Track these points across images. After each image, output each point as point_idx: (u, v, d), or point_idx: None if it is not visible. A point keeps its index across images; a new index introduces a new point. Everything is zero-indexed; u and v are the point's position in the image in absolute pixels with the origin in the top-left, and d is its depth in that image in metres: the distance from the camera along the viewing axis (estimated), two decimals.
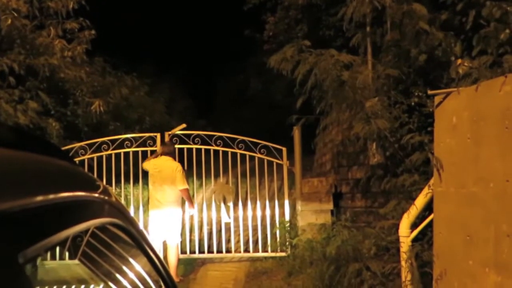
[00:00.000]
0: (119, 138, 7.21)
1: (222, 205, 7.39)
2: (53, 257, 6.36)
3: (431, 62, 4.78)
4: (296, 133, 7.13)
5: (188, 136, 7.27)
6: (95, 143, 7.08)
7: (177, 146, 7.12)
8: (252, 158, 7.37)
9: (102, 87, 10.93)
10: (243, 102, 22.34)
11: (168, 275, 1.49)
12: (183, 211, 6.71)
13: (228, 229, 7.38)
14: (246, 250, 7.34)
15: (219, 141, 7.23)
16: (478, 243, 3.47)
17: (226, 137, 7.31)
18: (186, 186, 6.25)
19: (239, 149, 7.21)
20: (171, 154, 6.32)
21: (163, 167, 6.23)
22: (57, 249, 6.15)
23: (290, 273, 6.06)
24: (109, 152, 7.07)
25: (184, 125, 7.36)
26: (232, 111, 22.82)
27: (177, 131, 7.30)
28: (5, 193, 0.61)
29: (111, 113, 10.73)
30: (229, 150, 7.25)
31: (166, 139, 7.06)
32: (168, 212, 6.14)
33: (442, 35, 4.62)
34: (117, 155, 7.12)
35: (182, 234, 6.74)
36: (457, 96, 3.75)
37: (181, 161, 7.12)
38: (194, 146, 7.22)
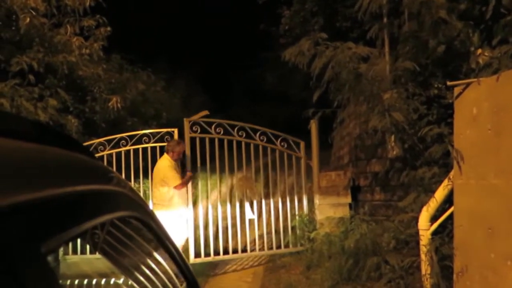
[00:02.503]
0: (137, 134, 7.26)
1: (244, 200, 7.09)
2: (74, 252, 6.47)
3: (450, 52, 4.70)
4: (313, 127, 7.10)
5: (209, 124, 6.82)
6: (113, 139, 7.14)
7: (199, 135, 6.69)
8: (267, 151, 7.17)
9: (119, 84, 11.05)
10: (259, 97, 22.35)
11: (188, 268, 1.50)
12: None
13: (246, 225, 7.09)
14: (262, 248, 7.03)
15: (241, 132, 6.91)
16: (500, 235, 3.42)
17: (249, 128, 6.97)
18: (174, 185, 6.01)
19: (261, 141, 6.98)
20: (168, 151, 6.17)
21: (156, 166, 6.26)
22: (79, 243, 6.26)
23: (308, 267, 6.06)
24: (127, 148, 7.13)
25: (206, 112, 6.85)
26: (248, 106, 22.83)
27: (199, 118, 6.79)
28: (28, 184, 0.62)
29: (128, 109, 10.84)
30: (251, 141, 6.96)
31: (186, 126, 6.65)
32: (158, 214, 6.09)
33: (461, 25, 4.54)
34: (135, 151, 7.17)
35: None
36: (477, 87, 3.69)
37: (202, 152, 6.68)
38: (217, 136, 6.79)
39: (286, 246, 7.05)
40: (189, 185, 6.65)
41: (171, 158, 6.12)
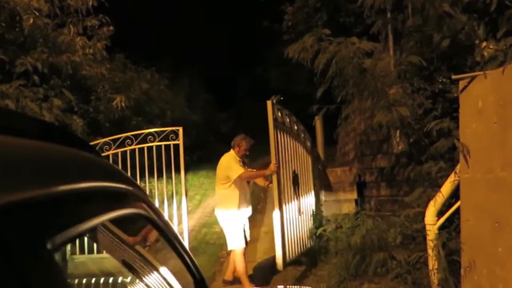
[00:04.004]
0: (142, 133, 7.25)
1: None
2: (82, 251, 6.49)
3: (455, 46, 4.68)
4: (318, 123, 7.09)
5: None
6: (119, 138, 7.14)
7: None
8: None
9: (123, 83, 11.09)
10: (263, 94, 22.34)
11: (195, 265, 1.50)
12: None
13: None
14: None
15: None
16: (507, 229, 3.40)
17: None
18: (238, 173, 5.37)
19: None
20: (233, 146, 5.66)
21: (219, 163, 5.72)
22: (86, 243, 6.29)
23: (315, 263, 6.05)
24: (132, 147, 7.12)
25: (280, 97, 6.03)
26: (253, 103, 22.83)
27: (277, 100, 5.96)
28: (34, 181, 0.62)
29: (132, 108, 10.87)
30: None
31: (270, 109, 5.71)
32: (217, 214, 5.67)
33: (466, 18, 4.51)
34: (141, 150, 7.17)
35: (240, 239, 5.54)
36: (483, 80, 3.66)
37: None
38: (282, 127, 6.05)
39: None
40: (274, 182, 5.65)
41: (237, 154, 5.61)
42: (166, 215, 7.00)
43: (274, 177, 5.59)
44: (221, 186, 5.55)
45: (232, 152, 5.67)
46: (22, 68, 7.58)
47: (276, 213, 5.65)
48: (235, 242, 5.48)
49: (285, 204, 5.90)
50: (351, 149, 8.24)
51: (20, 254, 0.54)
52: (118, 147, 7.12)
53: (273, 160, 5.57)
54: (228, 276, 5.81)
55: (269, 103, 5.70)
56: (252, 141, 5.73)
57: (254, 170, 5.95)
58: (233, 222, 5.49)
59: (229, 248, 5.62)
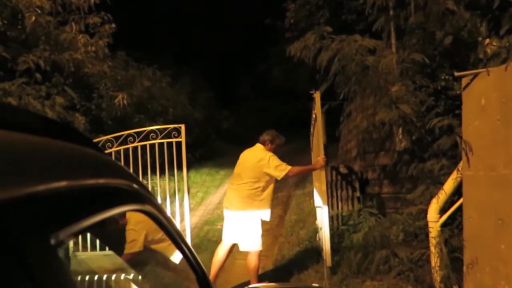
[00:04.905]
0: (144, 131, 7.26)
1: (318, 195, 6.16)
2: (84, 248, 6.50)
3: (457, 43, 4.67)
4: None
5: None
6: (121, 136, 7.15)
7: None
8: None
9: (125, 80, 11.10)
10: (266, 91, 22.35)
11: (197, 262, 1.50)
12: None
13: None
14: None
15: None
16: (510, 227, 3.40)
17: None
18: (287, 170, 4.94)
19: None
20: (265, 142, 5.18)
21: (245, 157, 5.23)
22: (89, 240, 6.31)
23: (317, 261, 6.05)
24: (135, 144, 7.12)
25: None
26: (255, 101, 22.82)
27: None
28: (38, 177, 0.62)
29: (134, 106, 10.88)
30: None
31: (317, 100, 5.51)
32: (235, 214, 5.15)
33: (468, 15, 4.50)
34: (143, 147, 7.17)
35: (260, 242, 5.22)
36: (485, 77, 3.65)
37: None
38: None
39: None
40: (322, 176, 5.34)
41: (268, 150, 5.14)
42: (168, 213, 7.00)
43: (319, 172, 5.36)
44: (248, 184, 5.05)
45: (263, 147, 5.17)
46: (24, 65, 7.59)
47: (324, 209, 5.39)
48: (256, 243, 5.16)
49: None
50: (353, 147, 8.23)
51: (24, 249, 0.54)
52: (121, 144, 7.12)
53: (322, 154, 5.31)
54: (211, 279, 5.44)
55: (317, 94, 5.46)
56: (284, 139, 5.35)
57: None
58: (258, 223, 5.13)
59: (245, 249, 5.25)
